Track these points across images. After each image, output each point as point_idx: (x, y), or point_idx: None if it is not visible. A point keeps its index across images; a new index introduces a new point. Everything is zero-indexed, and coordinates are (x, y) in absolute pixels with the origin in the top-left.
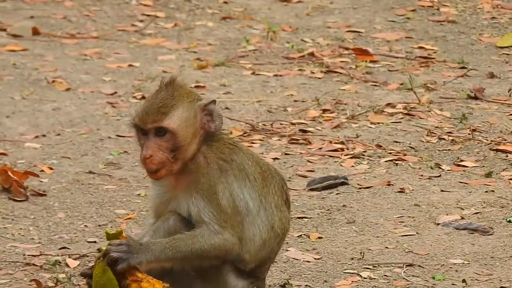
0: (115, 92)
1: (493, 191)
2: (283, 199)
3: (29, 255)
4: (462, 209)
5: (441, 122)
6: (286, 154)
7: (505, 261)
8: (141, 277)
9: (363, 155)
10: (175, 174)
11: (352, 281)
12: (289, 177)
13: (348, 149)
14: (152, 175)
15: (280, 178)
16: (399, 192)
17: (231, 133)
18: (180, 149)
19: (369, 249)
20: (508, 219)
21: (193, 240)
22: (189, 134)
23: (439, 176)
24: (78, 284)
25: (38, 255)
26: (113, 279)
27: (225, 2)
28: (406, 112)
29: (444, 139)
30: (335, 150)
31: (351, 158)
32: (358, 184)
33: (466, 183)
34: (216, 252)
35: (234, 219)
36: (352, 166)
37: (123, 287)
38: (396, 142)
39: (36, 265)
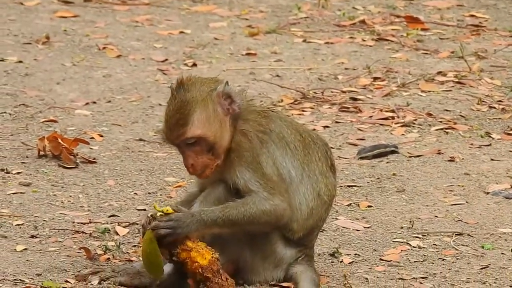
0: (166, 59)
1: None
2: (327, 165)
3: (78, 223)
4: None
5: (491, 90)
6: (336, 122)
7: None
8: (191, 246)
9: (414, 123)
10: None
11: (401, 250)
12: (339, 145)
13: (398, 117)
14: (202, 176)
15: (323, 143)
16: (449, 161)
17: (281, 101)
18: (215, 146)
19: (419, 218)
20: None
21: (244, 207)
22: (216, 129)
23: (489, 145)
24: (127, 252)
25: (88, 223)
26: (157, 249)
27: None
28: (456, 80)
29: (494, 107)
30: (386, 119)
31: (401, 126)
32: (408, 152)
33: None
34: (267, 218)
35: (280, 186)
36: (403, 134)
37: (174, 255)
38: (447, 110)
39: (85, 233)
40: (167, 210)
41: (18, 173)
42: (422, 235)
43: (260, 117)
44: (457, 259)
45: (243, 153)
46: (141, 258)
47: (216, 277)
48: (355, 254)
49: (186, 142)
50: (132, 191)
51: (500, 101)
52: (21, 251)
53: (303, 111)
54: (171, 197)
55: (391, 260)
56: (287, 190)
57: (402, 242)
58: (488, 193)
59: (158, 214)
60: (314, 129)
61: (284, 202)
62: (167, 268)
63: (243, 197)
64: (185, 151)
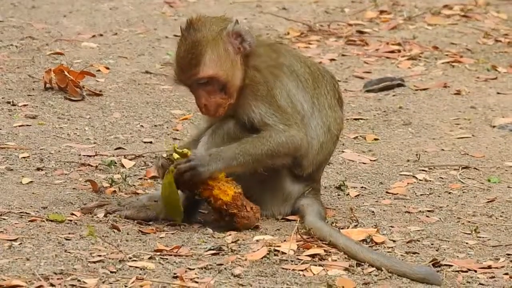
0: None
1: None
2: (335, 98)
3: (84, 155)
4: None
5: (497, 24)
6: (342, 55)
7: None
8: (212, 184)
9: (420, 56)
10: None
11: (407, 183)
12: (346, 78)
13: (405, 50)
14: (215, 116)
15: (330, 76)
16: (455, 94)
17: (288, 33)
18: (227, 85)
19: (425, 151)
20: None
21: (261, 141)
22: (228, 68)
23: (495, 78)
24: (134, 185)
25: (94, 156)
26: (176, 192)
27: None
28: (463, 14)
29: (500, 41)
30: (392, 52)
31: (407, 59)
32: (414, 85)
33: None
34: (285, 149)
35: (295, 117)
36: (409, 67)
37: (196, 195)
38: (453, 44)
39: (92, 166)
40: (187, 152)
41: (24, 105)
42: (429, 168)
43: (270, 51)
44: (463, 192)
45: (258, 87)
46: (147, 191)
47: (242, 211)
48: (362, 187)
49: (199, 82)
50: (138, 123)
51: (506, 34)
52: (27, 183)
53: (310, 44)
54: (177, 130)
55: (397, 193)
56: (302, 120)
57: (408, 175)
58: (494, 126)
59: (176, 156)
60: (320, 62)
61: (300, 132)
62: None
63: (255, 132)
64: (197, 91)
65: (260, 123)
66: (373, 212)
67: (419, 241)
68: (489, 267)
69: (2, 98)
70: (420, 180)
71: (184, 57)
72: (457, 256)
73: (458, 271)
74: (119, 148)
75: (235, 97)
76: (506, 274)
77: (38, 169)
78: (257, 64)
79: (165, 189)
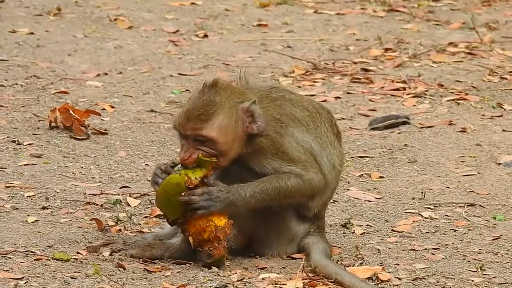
0: (177, 30)
1: None
2: (334, 133)
3: (89, 194)
4: None
5: (503, 61)
6: (348, 93)
7: None
8: None
9: (425, 94)
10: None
11: (413, 221)
12: (351, 116)
13: (410, 88)
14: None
15: (326, 112)
16: (460, 131)
17: (293, 72)
18: (221, 153)
19: (430, 189)
20: None
21: (280, 183)
22: (230, 140)
23: (501, 115)
24: (139, 223)
25: (99, 194)
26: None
27: None
28: (468, 51)
29: (506, 78)
30: (397, 89)
31: (413, 97)
32: (419, 123)
33: None
34: (303, 191)
35: (311, 160)
36: (414, 105)
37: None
38: (458, 81)
39: (97, 204)
40: (213, 159)
41: (30, 144)
42: (434, 206)
43: (272, 107)
44: (469, 230)
45: (265, 150)
46: (152, 230)
47: (224, 241)
48: (367, 225)
49: (197, 138)
50: (144, 162)
51: (511, 72)
52: (32, 222)
53: (315, 82)
54: None
55: (403, 231)
56: (316, 159)
57: (413, 213)
58: (499, 164)
59: (193, 178)
60: (325, 100)
61: (318, 173)
62: (178, 239)
63: None
64: (189, 143)
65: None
66: (378, 250)
67: (424, 278)
68: None
69: (8, 137)
70: (425, 217)
71: (194, 110)
72: None
73: None
74: (124, 186)
75: (223, 164)
76: None
77: (44, 208)
78: (264, 131)
79: (171, 187)
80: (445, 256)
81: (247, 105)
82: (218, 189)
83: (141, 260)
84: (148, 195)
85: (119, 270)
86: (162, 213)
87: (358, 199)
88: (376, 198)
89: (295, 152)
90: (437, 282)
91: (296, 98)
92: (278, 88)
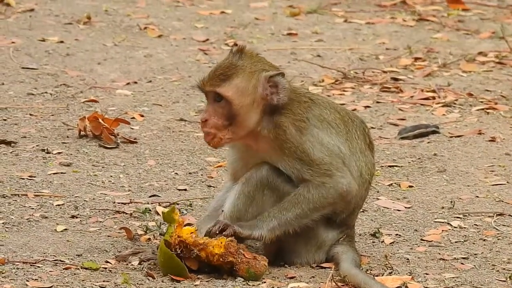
0: (207, 39)
1: None
2: (366, 142)
3: (119, 203)
4: None
5: None
6: (377, 102)
7: None
8: (205, 242)
9: (455, 103)
10: (254, 141)
11: (442, 230)
12: (380, 125)
13: (439, 97)
14: (209, 141)
15: (360, 121)
16: (490, 141)
17: (323, 81)
18: (236, 117)
19: (460, 198)
20: None
21: (300, 199)
22: (246, 103)
23: None
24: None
25: (128, 203)
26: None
27: None
28: (497, 60)
29: None
30: (427, 99)
31: (442, 106)
32: (449, 132)
33: None
34: (330, 200)
35: (336, 163)
36: (443, 114)
37: (195, 257)
38: (488, 90)
39: (126, 213)
40: (172, 207)
41: (59, 153)
42: (463, 215)
43: (298, 107)
44: (498, 239)
45: (283, 144)
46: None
47: (238, 257)
48: (396, 234)
49: (214, 96)
50: (173, 171)
51: None
52: (61, 231)
53: (344, 91)
54: (212, 177)
55: (432, 241)
56: (344, 162)
57: (443, 222)
58: None
59: (170, 239)
60: (355, 109)
61: (345, 177)
62: None
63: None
64: (208, 104)
65: (298, 178)
66: (407, 259)
67: None
68: None
69: (37, 145)
70: (454, 227)
71: (217, 69)
72: None
73: None
74: (154, 195)
75: (239, 134)
76: None
77: (73, 216)
78: (280, 119)
79: (165, 257)
80: (474, 265)
81: (271, 74)
82: (240, 230)
83: None
84: (178, 203)
85: (148, 279)
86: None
87: (388, 208)
88: (405, 207)
89: (317, 153)
90: None
91: (328, 101)
92: (311, 92)
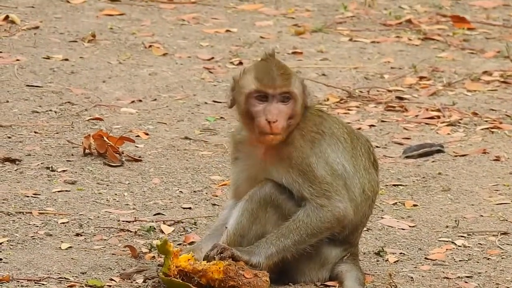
0: (212, 58)
1: None
2: (370, 160)
3: (123, 221)
4: None
5: None
6: (382, 121)
7: None
8: (204, 268)
9: (459, 122)
10: (265, 146)
11: (446, 249)
12: (385, 144)
13: (444, 116)
14: (269, 139)
15: (365, 139)
16: (494, 160)
17: (327, 99)
18: (295, 117)
19: (464, 217)
20: None
21: (300, 225)
22: (302, 103)
23: None
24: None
25: (133, 221)
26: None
27: None
28: (502, 80)
29: None
30: (431, 118)
31: (447, 125)
32: (453, 151)
33: None
34: (327, 225)
35: (337, 185)
36: (448, 133)
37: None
38: (492, 110)
39: (131, 231)
40: (165, 239)
41: (64, 171)
42: (467, 234)
43: (314, 117)
44: (502, 258)
45: (292, 152)
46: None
47: (239, 279)
48: (400, 253)
49: (284, 95)
50: (178, 189)
51: None
52: (66, 249)
53: (349, 110)
54: (216, 196)
55: (436, 259)
56: (345, 185)
57: (447, 241)
58: None
59: (168, 270)
60: (359, 128)
61: (342, 201)
62: None
63: (289, 194)
64: (273, 105)
65: (298, 194)
66: (412, 278)
67: None
68: None
69: (42, 163)
70: (459, 246)
71: (275, 70)
72: None
73: None
74: (158, 213)
75: (286, 135)
76: None
77: (77, 234)
78: (301, 126)
79: (174, 284)
80: (478, 284)
81: (304, 78)
82: (240, 254)
83: None
84: (182, 222)
85: None
86: None
87: (392, 227)
88: (409, 226)
89: (321, 170)
90: None
91: (337, 117)
92: (321, 108)
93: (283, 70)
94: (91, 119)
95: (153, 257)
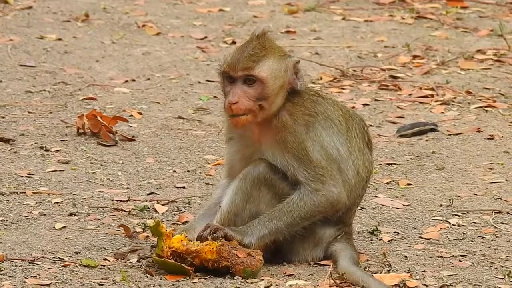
0: (205, 37)
1: None
2: (364, 140)
3: (117, 201)
4: None
5: None
6: (376, 100)
7: None
8: (195, 249)
9: (453, 101)
10: (259, 128)
11: (440, 228)
12: (379, 123)
13: (438, 95)
14: (235, 121)
15: (359, 119)
16: (488, 139)
17: (321, 78)
18: (267, 99)
19: (458, 196)
20: None
21: (293, 207)
22: (277, 86)
23: None
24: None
25: (127, 201)
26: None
27: None
28: (496, 58)
29: None
30: (425, 96)
31: (440, 104)
32: (447, 130)
33: None
34: (320, 209)
35: (331, 169)
36: (442, 112)
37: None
38: (486, 88)
39: (124, 211)
40: (158, 221)
41: (57, 150)
42: (462, 213)
43: (307, 101)
44: (496, 237)
45: (288, 137)
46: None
47: (233, 259)
48: (395, 232)
49: (247, 78)
50: (171, 169)
51: None
52: (60, 229)
53: (342, 89)
54: (210, 175)
55: (430, 238)
56: (339, 169)
57: (441, 220)
58: None
59: (161, 251)
60: (353, 107)
61: (336, 186)
62: None
63: (283, 174)
64: (236, 87)
65: (292, 177)
66: (406, 257)
67: (452, 286)
68: None
69: (35, 143)
70: (453, 225)
71: (247, 51)
72: None
73: None
74: (152, 193)
75: (263, 117)
76: None
77: (71, 214)
78: (294, 110)
79: (167, 265)
80: (473, 263)
81: (296, 60)
82: (231, 234)
83: None
84: (176, 201)
85: (147, 277)
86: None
87: (386, 206)
88: (403, 205)
89: (316, 154)
90: None
91: (331, 98)
92: (316, 88)
93: (253, 52)
94: (84, 98)
95: (147, 236)
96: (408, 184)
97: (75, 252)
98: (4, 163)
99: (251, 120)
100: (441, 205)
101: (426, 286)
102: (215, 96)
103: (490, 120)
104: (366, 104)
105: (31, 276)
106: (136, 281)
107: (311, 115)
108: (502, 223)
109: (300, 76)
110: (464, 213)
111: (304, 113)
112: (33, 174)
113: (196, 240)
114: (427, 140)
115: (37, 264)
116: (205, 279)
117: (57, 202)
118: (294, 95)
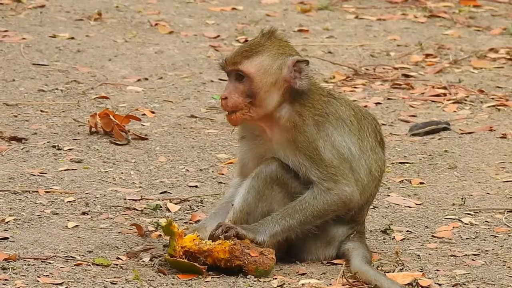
0: (218, 36)
1: None
2: (377, 140)
3: (129, 200)
4: None
5: None
6: (388, 99)
7: None
8: (209, 248)
9: (466, 100)
10: (269, 128)
11: (453, 227)
12: (391, 122)
13: (450, 94)
14: (228, 118)
15: (372, 118)
16: (501, 137)
17: (333, 77)
18: (256, 96)
19: (471, 195)
20: None
21: (306, 206)
22: (267, 82)
23: None
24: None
25: (139, 200)
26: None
27: None
28: (509, 57)
29: None
30: (438, 95)
31: (453, 103)
32: (460, 129)
33: None
34: (333, 207)
35: (343, 168)
36: (454, 111)
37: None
38: (499, 87)
39: (137, 210)
40: (170, 220)
41: (70, 149)
42: (474, 212)
43: (318, 101)
44: (509, 236)
45: (298, 137)
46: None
47: (245, 258)
48: (407, 231)
49: (236, 72)
50: (184, 167)
51: None
52: (72, 228)
53: (355, 87)
54: (222, 174)
55: (443, 237)
56: (351, 168)
57: (454, 219)
58: None
59: (173, 251)
60: (366, 106)
61: (349, 185)
62: None
63: (295, 173)
64: (229, 82)
65: (304, 177)
66: (418, 255)
67: (464, 284)
68: None
69: (48, 142)
70: (465, 223)
71: (241, 47)
72: None
73: None
74: (165, 192)
75: (257, 114)
76: None
77: (84, 213)
78: (303, 111)
79: (180, 265)
80: (485, 262)
81: (298, 58)
82: (243, 232)
83: None
84: (188, 200)
85: (159, 276)
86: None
87: (398, 205)
88: (416, 204)
89: (328, 153)
90: None
91: (344, 97)
92: (329, 88)
93: (248, 48)
94: (97, 97)
95: (160, 235)
96: (421, 183)
97: (87, 251)
98: (17, 162)
99: (247, 118)
100: (453, 204)
101: (439, 285)
102: None
103: (502, 119)
104: (379, 103)
105: (44, 275)
106: (148, 280)
107: (321, 115)
108: None
109: (303, 76)
110: (477, 212)
111: (314, 113)
112: (45, 173)
113: (208, 239)
114: (439, 139)
115: (50, 263)
116: (217, 278)
117: (69, 201)
118: (303, 96)
